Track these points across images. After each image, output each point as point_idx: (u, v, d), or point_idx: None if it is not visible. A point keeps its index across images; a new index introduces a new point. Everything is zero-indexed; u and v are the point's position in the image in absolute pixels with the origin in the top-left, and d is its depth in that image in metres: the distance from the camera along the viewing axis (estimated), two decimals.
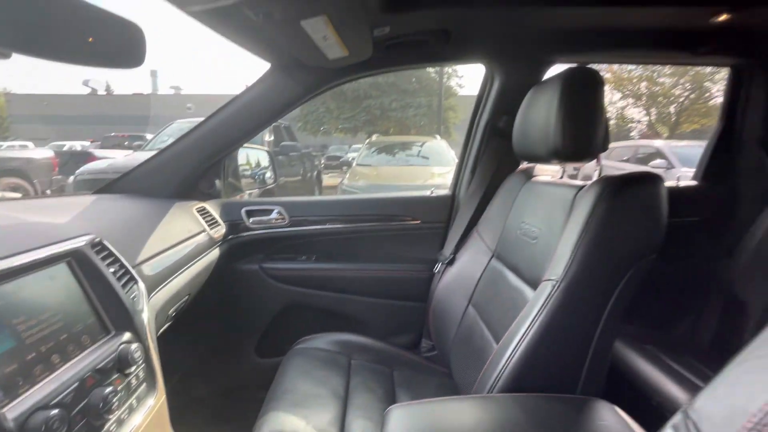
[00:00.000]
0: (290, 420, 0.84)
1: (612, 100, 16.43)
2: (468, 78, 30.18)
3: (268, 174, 1.73)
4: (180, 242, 1.02)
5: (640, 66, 12.75)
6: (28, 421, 0.44)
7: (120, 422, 0.57)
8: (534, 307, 0.75)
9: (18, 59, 0.45)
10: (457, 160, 1.57)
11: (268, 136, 4.89)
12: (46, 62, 0.45)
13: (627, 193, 0.74)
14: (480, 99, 1.37)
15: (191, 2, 0.56)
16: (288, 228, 1.42)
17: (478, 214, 1.27)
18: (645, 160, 6.80)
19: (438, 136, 6.49)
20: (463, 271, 1.19)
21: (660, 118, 16.05)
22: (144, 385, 0.65)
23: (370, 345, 1.18)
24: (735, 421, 0.34)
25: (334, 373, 1.03)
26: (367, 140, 6.34)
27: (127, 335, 0.65)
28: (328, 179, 8.49)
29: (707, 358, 1.18)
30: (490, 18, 1.03)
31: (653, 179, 0.76)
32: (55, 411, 0.47)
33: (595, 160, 0.90)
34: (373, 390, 1.00)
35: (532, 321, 0.73)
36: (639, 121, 17.14)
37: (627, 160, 7.30)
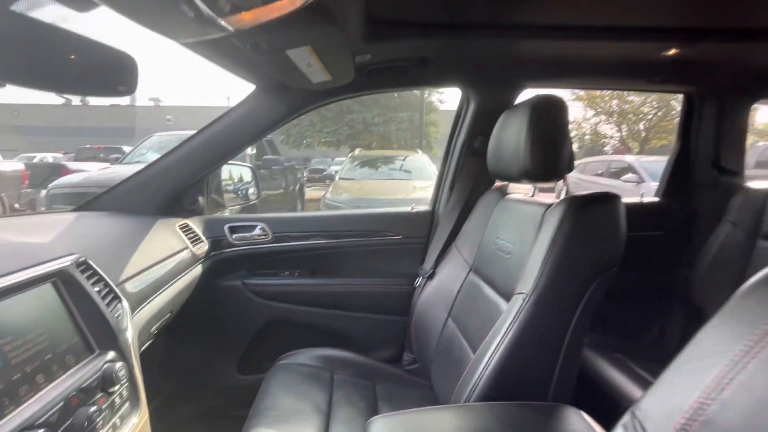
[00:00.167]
0: None
1: (586, 116, 17.16)
2: (448, 94, 30.82)
3: (252, 190, 1.74)
4: (163, 259, 1.02)
5: None
6: None
7: None
8: (507, 319, 0.79)
9: None
10: (437, 174, 1.63)
11: (250, 150, 4.88)
12: None
13: (589, 212, 0.80)
14: (457, 120, 1.45)
15: (183, 35, 0.59)
16: (271, 244, 1.44)
17: (457, 230, 1.32)
18: (618, 174, 7.09)
19: (419, 151, 6.61)
20: (442, 284, 1.23)
21: (631, 134, 16.83)
22: (127, 403, 0.66)
23: (352, 359, 1.20)
24: (672, 418, 0.39)
25: (317, 388, 1.04)
26: (350, 154, 6.40)
27: (111, 354, 0.66)
28: (310, 192, 8.48)
29: None
30: (464, 47, 1.11)
31: (613, 199, 0.82)
32: (41, 431, 0.48)
33: (563, 179, 0.96)
34: (355, 404, 1.01)
35: (505, 332, 0.78)
36: (612, 137, 17.91)
37: (601, 174, 7.60)
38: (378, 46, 1.03)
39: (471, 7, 0.93)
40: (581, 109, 16.99)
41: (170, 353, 1.28)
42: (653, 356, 1.30)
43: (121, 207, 1.19)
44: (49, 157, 11.95)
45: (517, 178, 0.98)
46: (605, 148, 17.82)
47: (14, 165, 6.44)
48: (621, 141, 17.13)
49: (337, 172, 7.24)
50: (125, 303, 0.76)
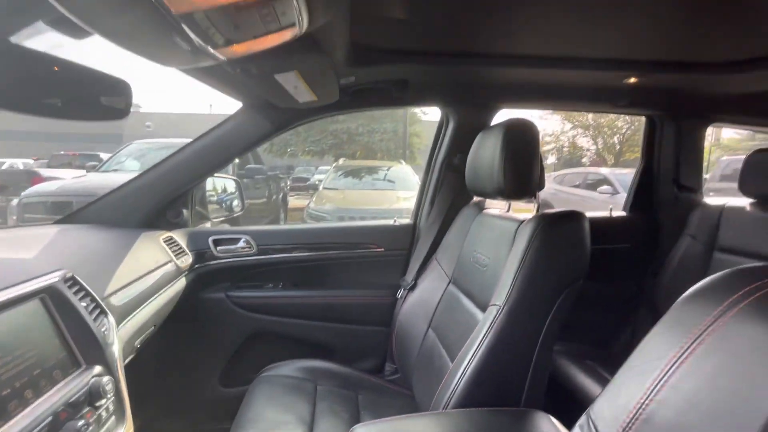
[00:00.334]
0: None
1: (564, 129, 17.75)
2: None
3: (236, 202, 1.76)
4: (147, 273, 1.03)
5: None
6: None
7: None
8: (482, 329, 0.84)
9: None
10: (421, 183, 1.69)
11: None
12: None
13: (557, 229, 0.86)
14: (437, 137, 1.52)
15: (176, 64, 0.62)
16: (255, 256, 1.45)
17: (437, 242, 1.38)
18: (594, 185, 7.34)
19: (403, 162, 6.70)
20: (423, 296, 1.28)
21: (606, 147, 17.49)
22: (113, 417, 0.67)
23: (335, 370, 1.22)
24: (619, 418, 0.44)
25: (301, 400, 1.06)
26: (334, 164, 6.43)
27: (97, 368, 0.67)
28: (294, 201, 8.43)
29: None
30: (443, 72, 1.18)
31: (579, 217, 0.89)
32: None
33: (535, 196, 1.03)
34: (338, 414, 1.04)
35: (480, 342, 0.82)
36: (588, 149, 18.56)
37: (578, 186, 7.85)
38: (362, 69, 1.09)
39: (449, 37, 1.00)
40: (559, 122, 17.61)
41: (153, 367, 1.27)
42: (622, 363, 1.37)
43: (104, 220, 1.19)
44: (20, 163, 11.50)
45: (492, 195, 1.04)
46: (583, 160, 18.44)
47: None
48: (597, 153, 17.78)
49: (320, 181, 7.23)
50: (111, 318, 0.77)
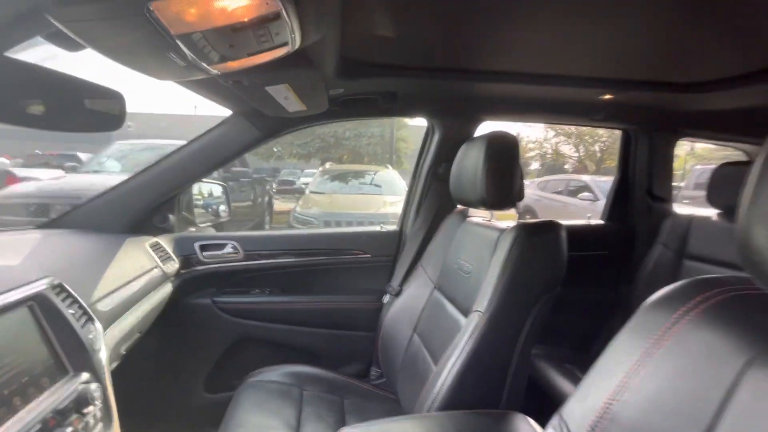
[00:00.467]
0: None
1: (547, 137, 18.15)
2: None
3: (222, 207, 1.75)
4: (133, 279, 1.03)
5: None
6: None
7: None
8: (465, 334, 0.88)
9: None
10: (407, 190, 1.73)
11: None
12: None
13: (535, 239, 0.90)
14: (423, 147, 1.56)
15: (169, 78, 0.64)
16: (242, 262, 1.46)
17: (423, 249, 1.41)
18: (575, 192, 7.53)
19: (390, 166, 6.74)
20: (408, 301, 1.31)
21: (588, 155, 17.95)
22: (101, 424, 0.67)
23: (321, 375, 1.24)
24: (587, 418, 0.48)
25: (287, 405, 1.07)
26: (321, 168, 6.42)
27: (85, 375, 0.67)
28: (279, 204, 8.36)
29: None
30: (429, 85, 1.22)
31: (556, 227, 0.94)
32: None
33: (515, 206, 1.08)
34: (324, 419, 1.05)
35: (463, 347, 0.86)
36: (571, 157, 19.01)
37: (560, 192, 8.04)
38: (351, 82, 1.12)
39: (436, 53, 1.04)
40: (543, 129, 18.01)
41: (137, 373, 1.26)
42: None
43: (89, 225, 1.18)
44: None
45: (475, 205, 1.08)
46: (565, 167, 18.87)
47: None
48: (579, 161, 18.24)
49: (306, 184, 7.19)
50: (98, 324, 0.77)
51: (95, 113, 0.60)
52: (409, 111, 1.45)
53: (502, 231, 0.99)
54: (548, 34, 0.89)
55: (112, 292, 0.92)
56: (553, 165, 18.99)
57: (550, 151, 18.94)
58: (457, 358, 0.86)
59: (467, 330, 0.88)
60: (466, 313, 0.97)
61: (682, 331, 0.43)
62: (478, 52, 1.02)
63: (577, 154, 18.35)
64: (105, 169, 4.81)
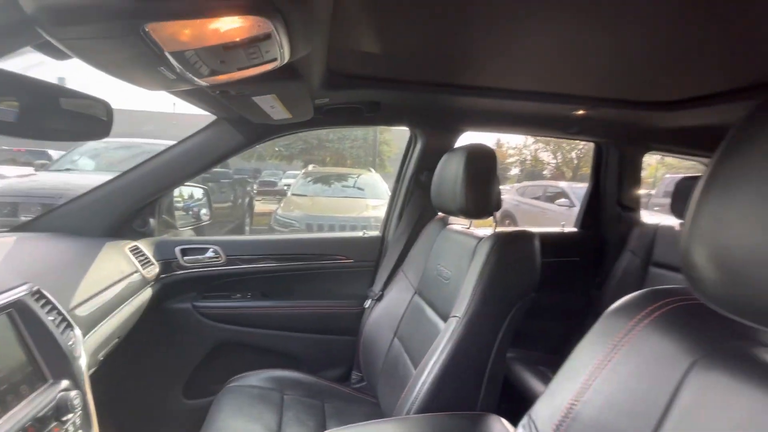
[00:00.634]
0: None
1: (526, 143, 18.61)
2: None
3: (204, 210, 1.74)
4: (112, 284, 1.02)
5: None
6: None
7: None
8: (443, 339, 0.91)
9: None
10: (389, 193, 1.76)
11: None
12: None
13: (510, 248, 0.95)
14: (406, 155, 1.60)
15: (158, 89, 0.65)
16: (223, 266, 1.45)
17: (404, 255, 1.44)
18: (553, 198, 7.75)
19: (372, 170, 6.76)
20: (389, 306, 1.34)
21: (565, 162, 18.51)
22: (80, 431, 0.67)
23: (302, 380, 1.25)
24: (553, 417, 0.52)
25: (267, 409, 1.08)
26: (304, 170, 6.38)
27: (64, 383, 0.67)
28: (260, 205, 8.26)
29: None
30: (412, 97, 1.26)
31: (530, 236, 0.99)
32: None
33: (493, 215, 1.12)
34: (305, 423, 1.07)
35: (441, 351, 0.89)
36: (549, 163, 19.55)
37: (539, 197, 8.26)
38: (336, 92, 1.15)
39: (419, 68, 1.08)
40: (523, 136, 18.43)
41: (115, 379, 1.24)
42: None
43: (66, 228, 1.16)
44: None
45: (455, 213, 1.12)
46: (544, 172, 19.38)
47: None
48: (557, 167, 18.78)
49: (288, 185, 7.12)
50: (78, 331, 0.77)
51: (81, 121, 0.60)
52: (393, 120, 1.49)
53: (480, 239, 1.03)
54: (526, 53, 0.94)
55: (91, 297, 0.91)
56: (533, 171, 19.48)
57: (529, 157, 19.43)
58: (436, 362, 0.89)
59: (445, 335, 0.91)
60: (445, 318, 1.01)
61: (637, 337, 0.48)
62: (460, 67, 1.06)
63: (555, 161, 18.89)
64: (78, 167, 4.63)
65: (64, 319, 0.74)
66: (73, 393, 0.66)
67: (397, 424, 0.84)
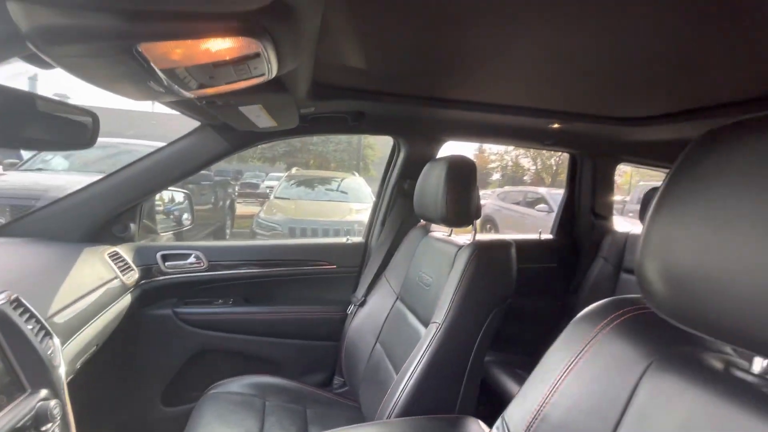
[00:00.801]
0: None
1: (508, 149, 19.00)
2: None
3: (185, 215, 1.72)
4: (91, 291, 1.01)
5: None
6: None
7: None
8: (423, 344, 0.94)
9: None
10: (373, 198, 1.78)
11: None
12: None
13: (488, 256, 0.99)
14: (389, 164, 1.63)
15: (145, 99, 0.66)
16: (205, 272, 1.44)
17: (387, 261, 1.47)
18: (533, 203, 7.94)
19: (356, 173, 6.76)
20: (372, 312, 1.36)
21: (545, 168, 18.99)
22: None
23: (284, 385, 1.25)
24: (525, 419, 0.55)
25: (249, 416, 1.08)
26: (287, 173, 6.34)
27: (44, 392, 0.66)
28: (242, 208, 8.13)
29: None
30: (395, 108, 1.29)
31: (507, 245, 1.03)
32: None
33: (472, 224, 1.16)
34: (287, 429, 1.07)
35: (422, 356, 0.92)
36: (529, 169, 20.01)
37: (519, 203, 8.45)
38: (322, 103, 1.17)
39: (403, 82, 1.12)
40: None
41: (92, 387, 1.21)
42: None
43: (42, 233, 1.14)
44: None
45: (436, 221, 1.16)
46: (524, 178, 19.81)
47: None
48: (536, 173, 19.24)
49: (270, 188, 7.03)
50: (56, 339, 0.76)
51: (66, 131, 0.61)
52: (377, 129, 1.53)
53: (460, 247, 1.07)
54: (505, 70, 0.99)
55: (70, 304, 0.90)
56: (513, 176, 19.89)
57: (510, 163, 19.84)
58: (416, 366, 0.92)
59: (426, 340, 0.94)
60: (426, 323, 1.04)
61: (599, 343, 0.52)
62: (441, 82, 1.10)
63: (535, 167, 19.35)
64: (50, 167, 4.47)
65: (43, 327, 0.74)
66: (53, 402, 0.65)
67: (378, 428, 0.86)
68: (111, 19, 0.40)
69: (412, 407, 0.90)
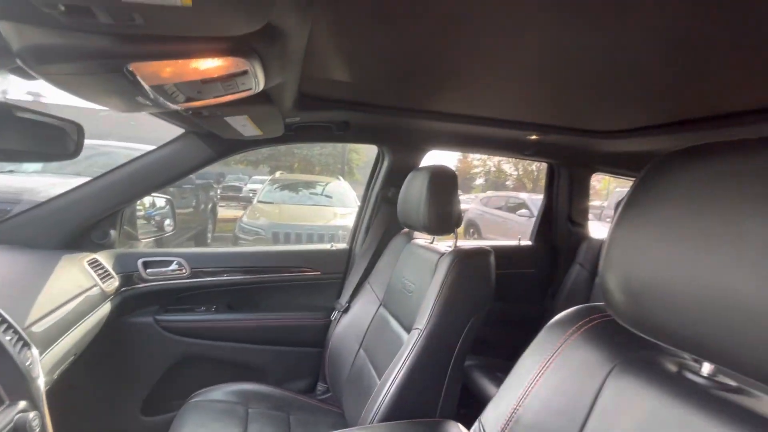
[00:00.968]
0: None
1: (490, 155, 19.34)
2: None
3: (168, 221, 1.70)
4: (70, 299, 0.99)
5: None
6: None
7: None
8: (405, 350, 0.97)
9: None
10: (358, 202, 1.79)
11: None
12: None
13: (468, 264, 1.02)
14: (373, 172, 1.66)
15: (131, 110, 0.66)
16: (187, 279, 1.43)
17: (371, 267, 1.49)
18: (514, 208, 8.10)
19: (341, 178, 6.76)
20: (356, 318, 1.37)
21: (526, 174, 19.39)
22: None
23: (267, 392, 1.25)
24: (499, 421, 0.58)
25: (231, 424, 1.08)
26: (271, 177, 6.28)
27: (22, 404, 0.66)
28: (224, 211, 8.01)
29: None
30: (380, 118, 1.32)
31: (487, 253, 1.07)
32: None
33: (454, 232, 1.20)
34: None
35: (404, 362, 0.95)
36: (511, 174, 20.39)
37: (501, 208, 8.61)
38: (307, 113, 1.19)
39: (387, 94, 1.15)
40: None
41: (70, 397, 1.19)
42: None
43: (18, 240, 1.11)
44: None
45: (419, 229, 1.19)
46: (507, 183, 20.17)
47: None
48: (518, 178, 19.62)
49: (253, 191, 6.95)
50: (35, 350, 0.75)
51: (50, 143, 0.61)
52: (361, 138, 1.55)
53: (441, 254, 1.10)
54: (484, 84, 1.03)
55: (48, 313, 0.89)
56: (496, 181, 20.23)
57: (493, 168, 20.17)
58: (398, 372, 0.94)
59: (408, 346, 0.97)
60: (408, 329, 1.06)
61: (568, 349, 0.55)
62: (424, 95, 1.14)
63: (516, 173, 19.73)
64: (21, 168, 4.31)
65: (21, 338, 0.73)
66: (31, 414, 0.65)
67: None
68: (102, 39, 0.41)
69: (395, 412, 0.92)
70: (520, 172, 19.48)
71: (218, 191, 8.08)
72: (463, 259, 1.02)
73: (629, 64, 0.81)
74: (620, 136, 1.41)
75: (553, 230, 1.97)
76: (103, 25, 0.38)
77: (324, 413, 1.24)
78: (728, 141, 0.40)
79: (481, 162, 19.72)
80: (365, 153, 14.23)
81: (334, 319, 1.48)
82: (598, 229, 1.99)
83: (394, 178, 1.55)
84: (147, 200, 1.95)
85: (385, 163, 1.60)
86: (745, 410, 0.39)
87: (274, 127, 1.10)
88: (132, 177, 1.24)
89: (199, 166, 1.30)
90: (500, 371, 1.58)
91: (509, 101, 1.16)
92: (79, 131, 0.63)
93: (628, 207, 0.45)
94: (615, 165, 1.87)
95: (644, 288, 0.41)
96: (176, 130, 1.29)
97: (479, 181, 20.43)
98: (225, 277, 1.48)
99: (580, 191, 1.93)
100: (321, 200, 5.43)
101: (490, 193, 10.48)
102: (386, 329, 1.19)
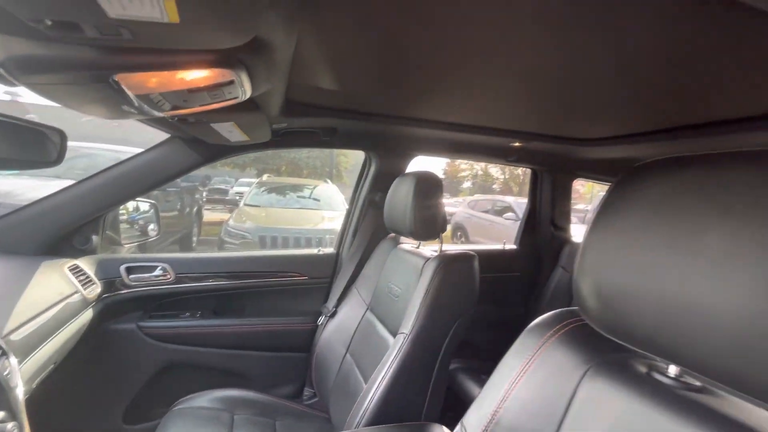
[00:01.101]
0: None
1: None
2: None
3: (152, 226, 1.67)
4: (50, 306, 0.97)
5: None
6: None
7: None
8: (391, 354, 0.98)
9: None
10: (346, 205, 1.80)
11: None
12: None
13: (452, 268, 1.04)
14: (360, 176, 1.67)
15: (116, 118, 0.66)
16: (171, 285, 1.41)
17: (358, 272, 1.50)
18: (501, 212, 8.21)
19: (329, 181, 6.75)
20: (342, 322, 1.38)
21: (512, 177, 19.68)
22: None
23: (253, 398, 1.25)
24: (481, 423, 0.60)
25: (217, 431, 1.07)
26: (258, 180, 6.23)
27: (0, 414, 0.64)
28: (210, 215, 7.89)
29: None
30: (367, 124, 1.34)
31: (470, 258, 1.09)
32: None
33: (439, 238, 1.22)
34: None
35: (389, 366, 0.96)
36: (498, 178, 20.66)
37: (488, 211, 8.71)
38: (294, 119, 1.20)
39: (373, 102, 1.17)
40: None
41: (50, 406, 1.16)
42: None
43: None
44: None
45: (405, 234, 1.21)
46: (494, 186, 20.42)
47: None
48: (504, 182, 19.89)
49: (239, 194, 6.87)
50: (14, 359, 0.74)
51: (31, 150, 0.60)
52: (348, 144, 1.57)
53: (427, 259, 1.11)
54: (470, 92, 1.05)
55: (27, 321, 0.87)
56: (483, 184, 20.46)
57: (480, 171, 20.41)
58: (384, 376, 0.95)
59: (394, 350, 0.98)
60: (394, 333, 1.07)
61: (546, 352, 0.57)
62: (410, 103, 1.16)
63: (503, 176, 20.00)
64: None
65: None
66: (10, 425, 0.64)
67: None
68: (88, 51, 0.42)
69: (381, 416, 0.93)
70: (507, 176, 19.76)
71: (204, 194, 7.98)
72: (447, 263, 1.04)
73: (608, 76, 0.84)
74: (601, 143, 1.45)
75: (536, 234, 2.01)
76: (89, 39, 0.39)
77: (311, 418, 1.24)
78: (699, 154, 0.42)
79: (468, 166, 19.93)
80: (353, 156, 14.21)
81: (321, 323, 1.48)
82: (581, 233, 2.04)
83: (381, 183, 1.56)
84: (130, 204, 1.91)
85: (372, 168, 1.62)
86: (709, 410, 0.41)
87: (261, 133, 1.10)
88: (115, 181, 1.22)
89: (185, 170, 1.29)
90: (485, 374, 1.60)
91: (493, 109, 1.19)
92: (62, 137, 0.63)
93: (600, 216, 0.47)
94: (596, 171, 1.92)
95: (615, 294, 0.43)
96: (162, 134, 1.28)
97: (467, 184, 20.63)
98: (210, 283, 1.47)
99: (562, 196, 1.98)
100: (308, 203, 5.39)
101: (477, 196, 10.60)
102: (373, 333, 1.20)
